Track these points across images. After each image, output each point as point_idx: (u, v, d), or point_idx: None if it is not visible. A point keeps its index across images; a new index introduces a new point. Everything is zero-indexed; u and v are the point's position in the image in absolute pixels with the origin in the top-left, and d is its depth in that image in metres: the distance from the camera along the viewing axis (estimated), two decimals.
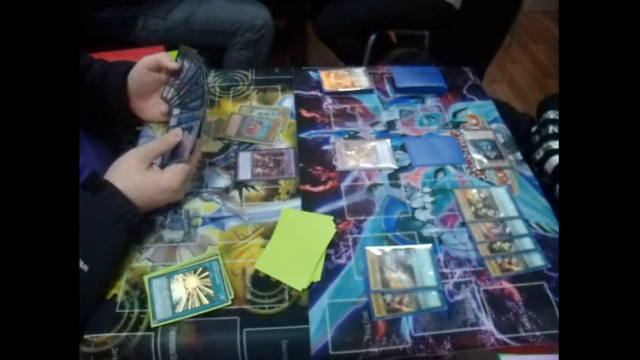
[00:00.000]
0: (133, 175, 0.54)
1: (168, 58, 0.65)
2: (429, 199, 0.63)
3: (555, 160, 0.66)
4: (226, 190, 0.63)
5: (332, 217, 0.59)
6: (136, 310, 0.50)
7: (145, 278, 0.52)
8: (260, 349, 0.48)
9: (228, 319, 0.49)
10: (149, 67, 0.66)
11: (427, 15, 1.57)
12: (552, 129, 0.68)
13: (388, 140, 0.71)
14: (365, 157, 0.68)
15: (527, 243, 0.58)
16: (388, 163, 0.68)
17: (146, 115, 0.70)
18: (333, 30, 1.63)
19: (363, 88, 0.81)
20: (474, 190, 0.64)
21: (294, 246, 0.56)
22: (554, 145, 0.67)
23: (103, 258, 0.51)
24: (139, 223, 0.54)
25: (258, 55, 1.49)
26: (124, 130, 0.79)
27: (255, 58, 1.48)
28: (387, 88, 0.82)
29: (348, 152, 0.69)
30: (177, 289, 0.51)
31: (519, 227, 0.59)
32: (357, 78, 0.83)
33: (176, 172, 0.57)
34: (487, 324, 0.50)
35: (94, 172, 0.55)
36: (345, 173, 0.66)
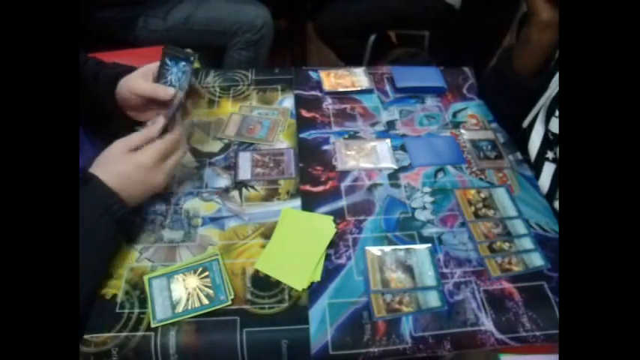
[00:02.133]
0: (118, 165, 0.53)
1: (163, 92, 0.60)
2: (429, 199, 0.63)
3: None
4: (226, 190, 0.63)
5: (332, 217, 0.59)
6: (136, 310, 0.50)
7: (145, 278, 0.52)
8: (260, 349, 0.48)
9: (228, 319, 0.49)
10: (141, 95, 0.62)
11: (427, 15, 1.57)
12: None
13: (388, 140, 0.71)
14: (365, 157, 0.69)
15: (527, 243, 0.58)
16: (388, 163, 0.68)
17: (141, 118, 0.67)
18: (333, 30, 1.64)
19: (363, 88, 0.81)
20: (474, 190, 0.64)
21: (294, 246, 0.56)
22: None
23: (92, 252, 0.50)
24: (128, 216, 0.53)
25: (258, 55, 1.49)
26: (123, 131, 0.79)
27: (255, 58, 1.48)
28: (387, 88, 0.82)
29: (348, 152, 0.69)
30: (177, 289, 0.51)
31: (519, 227, 0.59)
32: (357, 78, 0.83)
33: (151, 149, 0.55)
34: (487, 324, 0.50)
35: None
36: (345, 173, 0.66)
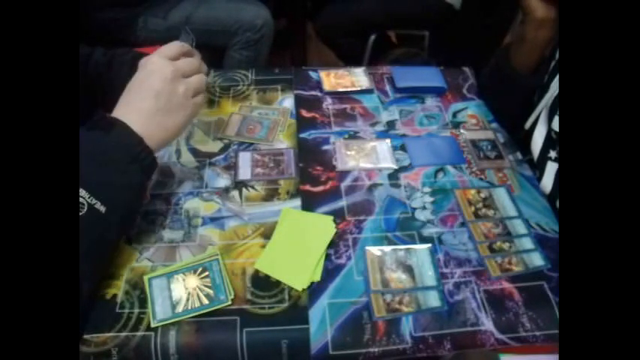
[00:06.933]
0: (143, 102, 0.54)
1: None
2: (429, 199, 0.63)
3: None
4: (226, 190, 0.63)
5: (332, 217, 0.59)
6: (136, 310, 0.50)
7: (145, 278, 0.52)
8: (260, 349, 0.48)
9: (228, 319, 0.49)
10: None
11: (427, 15, 1.57)
12: None
13: (388, 140, 0.71)
14: (365, 157, 0.68)
15: (527, 243, 0.58)
16: (388, 163, 0.68)
17: None
18: (333, 30, 1.64)
19: (363, 88, 0.81)
20: (474, 190, 0.64)
21: (294, 246, 0.56)
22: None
23: (121, 199, 0.50)
24: (153, 162, 0.54)
25: (259, 54, 1.49)
26: None
27: (256, 57, 1.49)
28: (387, 88, 0.82)
29: (348, 152, 0.69)
30: (177, 289, 0.51)
31: (519, 227, 0.59)
32: (357, 78, 0.83)
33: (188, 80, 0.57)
34: (487, 324, 0.50)
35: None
36: (345, 173, 0.66)
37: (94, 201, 0.46)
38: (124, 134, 0.51)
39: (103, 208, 0.47)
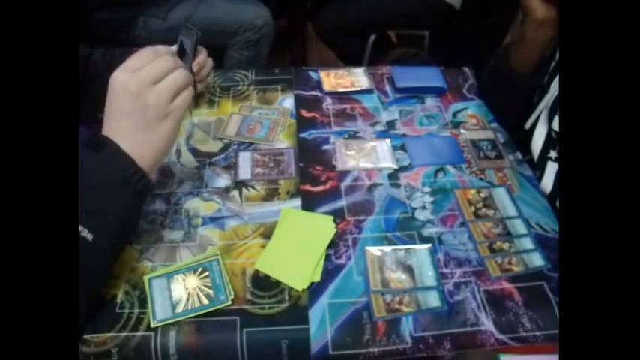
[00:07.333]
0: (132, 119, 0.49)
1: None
2: (429, 199, 0.63)
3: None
4: (226, 190, 0.63)
5: (332, 217, 0.59)
6: (136, 310, 0.50)
7: (145, 278, 0.52)
8: (260, 349, 0.48)
9: (228, 319, 0.49)
10: None
11: (427, 15, 1.57)
12: None
13: (388, 140, 0.71)
14: (365, 157, 0.68)
15: (527, 243, 0.58)
16: (388, 163, 0.68)
17: None
18: (333, 30, 1.64)
19: (363, 88, 0.81)
20: (474, 190, 0.64)
21: (294, 246, 0.56)
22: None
23: (109, 225, 0.47)
24: (146, 187, 0.50)
25: (259, 54, 1.49)
26: None
27: (256, 57, 1.49)
28: (387, 88, 0.82)
29: (348, 152, 0.69)
30: (177, 289, 0.51)
31: (519, 227, 0.59)
32: (357, 78, 0.83)
33: (159, 85, 0.49)
34: (487, 324, 0.50)
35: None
36: (345, 173, 0.66)
37: (80, 228, 0.44)
38: (115, 156, 0.48)
39: (90, 236, 0.44)
